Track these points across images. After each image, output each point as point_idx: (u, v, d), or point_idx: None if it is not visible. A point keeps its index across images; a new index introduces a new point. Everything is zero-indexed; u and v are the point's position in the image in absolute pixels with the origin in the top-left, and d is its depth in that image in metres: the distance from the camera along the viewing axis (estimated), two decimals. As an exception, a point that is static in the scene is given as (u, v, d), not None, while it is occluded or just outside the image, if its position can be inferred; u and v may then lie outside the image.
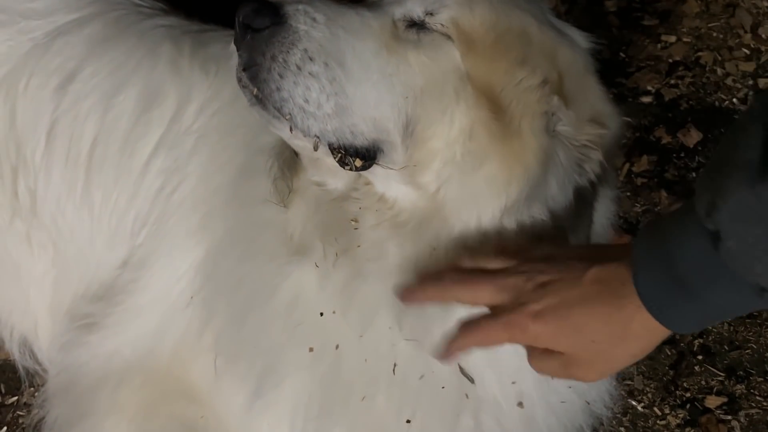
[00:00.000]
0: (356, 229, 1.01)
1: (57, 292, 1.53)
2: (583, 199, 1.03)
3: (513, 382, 1.10)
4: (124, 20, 1.52)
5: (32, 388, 1.68)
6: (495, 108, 0.94)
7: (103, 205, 1.43)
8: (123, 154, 1.42)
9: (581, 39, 1.05)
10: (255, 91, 0.92)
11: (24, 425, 1.65)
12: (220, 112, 1.33)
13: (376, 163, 0.97)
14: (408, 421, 1.13)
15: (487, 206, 0.95)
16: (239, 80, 0.93)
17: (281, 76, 0.90)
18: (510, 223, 0.94)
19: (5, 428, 1.65)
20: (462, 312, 0.95)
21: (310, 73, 0.91)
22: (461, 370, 1.08)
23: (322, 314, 1.11)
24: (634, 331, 0.82)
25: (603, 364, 0.85)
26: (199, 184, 1.32)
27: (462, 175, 0.95)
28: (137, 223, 1.39)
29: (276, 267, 1.08)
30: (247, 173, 1.18)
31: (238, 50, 0.93)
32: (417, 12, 0.97)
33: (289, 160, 1.09)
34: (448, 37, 0.95)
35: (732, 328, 1.63)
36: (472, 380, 1.10)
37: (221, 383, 1.26)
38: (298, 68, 0.90)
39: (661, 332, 0.81)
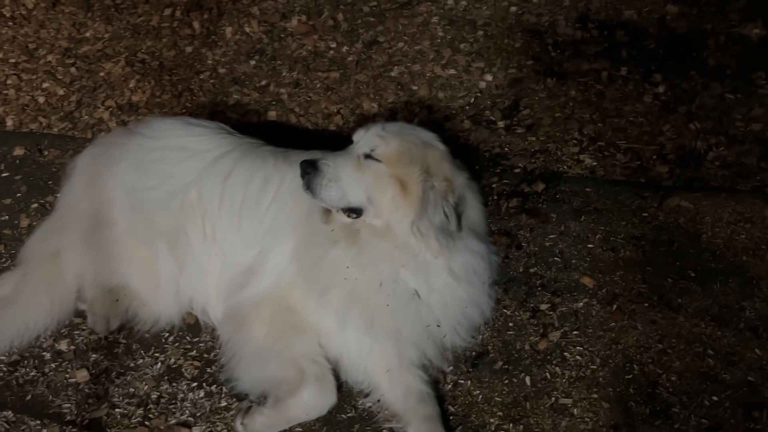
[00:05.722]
0: (358, 234, 2.40)
1: (221, 278, 2.75)
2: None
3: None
4: (248, 148, 2.88)
5: (206, 335, 2.81)
6: (402, 184, 2.31)
7: (247, 231, 2.71)
8: (255, 206, 2.72)
9: (439, 144, 2.47)
10: (311, 195, 2.35)
11: (201, 349, 2.79)
12: (299, 186, 2.56)
13: (362, 216, 2.38)
14: (387, 305, 2.42)
15: (405, 222, 2.32)
16: (305, 190, 2.36)
17: (319, 188, 2.33)
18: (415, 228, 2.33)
19: (195, 351, 2.76)
20: None
21: (329, 187, 2.33)
22: (415, 291, 2.44)
23: (348, 267, 2.43)
24: None
25: None
26: (291, 213, 2.64)
27: (394, 213, 2.33)
28: (263, 233, 2.66)
29: (325, 248, 2.43)
30: (312, 210, 2.54)
31: (302, 179, 2.35)
32: (366, 151, 2.38)
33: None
34: (379, 161, 2.34)
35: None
36: (417, 294, 2.45)
37: (304, 299, 2.52)
38: (323, 186, 2.33)
39: None
